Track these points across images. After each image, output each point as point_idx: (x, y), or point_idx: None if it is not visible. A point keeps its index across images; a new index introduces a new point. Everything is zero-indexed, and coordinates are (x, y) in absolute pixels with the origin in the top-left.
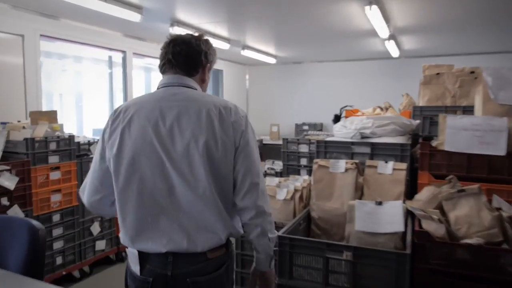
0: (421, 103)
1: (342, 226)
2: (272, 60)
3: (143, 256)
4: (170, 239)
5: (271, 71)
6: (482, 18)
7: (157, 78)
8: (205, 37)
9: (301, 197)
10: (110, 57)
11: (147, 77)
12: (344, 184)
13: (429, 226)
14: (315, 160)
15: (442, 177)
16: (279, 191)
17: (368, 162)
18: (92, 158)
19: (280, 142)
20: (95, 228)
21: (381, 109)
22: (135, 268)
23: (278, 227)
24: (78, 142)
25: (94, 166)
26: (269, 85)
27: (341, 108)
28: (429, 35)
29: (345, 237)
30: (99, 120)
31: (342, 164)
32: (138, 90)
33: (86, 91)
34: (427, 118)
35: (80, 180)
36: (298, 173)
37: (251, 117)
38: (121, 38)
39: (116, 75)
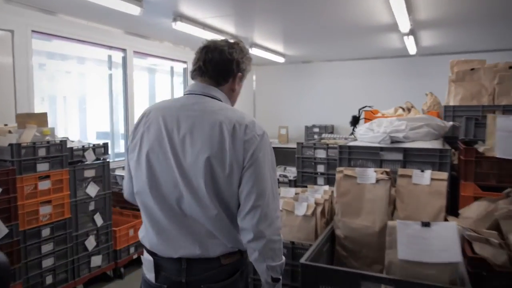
0: (452, 102)
1: (374, 247)
2: (281, 59)
3: (158, 264)
4: (182, 245)
5: (279, 71)
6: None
7: (161, 80)
8: (241, 44)
9: (322, 212)
10: (109, 57)
11: (151, 78)
12: (375, 198)
13: (485, 251)
14: (338, 169)
15: (490, 189)
16: (298, 205)
17: (401, 170)
18: (87, 164)
19: (289, 145)
20: (91, 243)
21: (403, 109)
22: (150, 275)
23: (297, 248)
24: (71, 148)
25: (125, 165)
26: (277, 86)
27: (360, 109)
28: (450, 30)
29: (385, 266)
30: (103, 123)
31: (372, 174)
32: (141, 93)
33: (90, 93)
34: (471, 119)
35: (74, 190)
36: (314, 181)
37: (258, 120)
38: (121, 36)
39: (117, 76)
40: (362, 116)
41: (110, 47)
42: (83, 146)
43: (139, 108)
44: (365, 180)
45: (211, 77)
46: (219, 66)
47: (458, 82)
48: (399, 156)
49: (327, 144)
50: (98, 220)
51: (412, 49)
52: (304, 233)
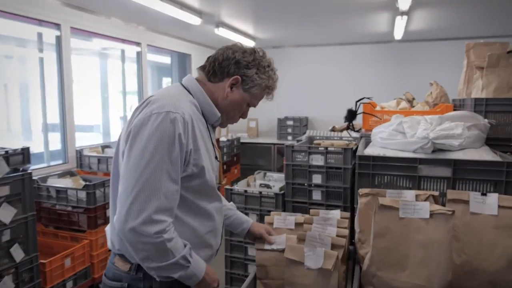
0: (478, 93)
1: None
2: (250, 43)
3: None
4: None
5: None
6: None
7: (114, 66)
8: (259, 53)
9: (343, 258)
10: (40, 35)
11: (103, 65)
12: (430, 242)
13: None
14: (362, 191)
15: None
16: (309, 253)
17: (452, 193)
18: None
19: (259, 140)
20: (6, 285)
21: (406, 101)
22: None
23: None
24: None
25: None
26: None
27: (357, 101)
28: (445, 10)
29: None
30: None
31: (422, 205)
32: (93, 81)
33: (31, 80)
34: None
35: None
36: (309, 195)
37: None
38: (56, 7)
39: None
40: (361, 110)
41: (40, 22)
42: None
43: (88, 99)
44: (411, 213)
45: (205, 71)
46: (216, 61)
47: (492, 68)
48: (446, 172)
49: (326, 148)
50: (17, 253)
51: (399, 33)
52: None
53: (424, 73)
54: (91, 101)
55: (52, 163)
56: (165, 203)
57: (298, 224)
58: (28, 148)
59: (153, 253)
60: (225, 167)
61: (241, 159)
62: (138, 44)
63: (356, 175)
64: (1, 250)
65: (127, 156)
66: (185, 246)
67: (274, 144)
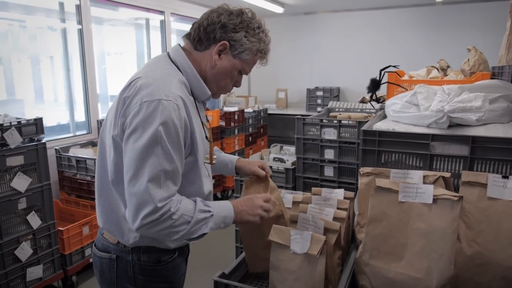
0: None
1: None
2: (279, 9)
3: None
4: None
5: (277, 24)
6: None
7: (154, 37)
8: (246, 14)
9: (337, 242)
10: (61, 4)
11: (139, 35)
12: (432, 230)
13: None
14: (363, 170)
15: None
16: (296, 236)
17: (467, 175)
18: (10, 149)
19: (289, 111)
20: (25, 251)
21: (438, 70)
22: None
23: None
24: None
25: None
26: (274, 42)
27: (382, 70)
28: None
29: None
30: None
31: (424, 188)
32: (129, 52)
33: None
34: None
35: None
36: (320, 171)
37: (252, 81)
38: None
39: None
40: (385, 79)
41: None
42: (1, 125)
43: (123, 72)
44: (412, 196)
45: (191, 39)
46: (201, 27)
47: None
48: (463, 150)
49: (339, 121)
50: (34, 220)
51: None
52: (304, 283)
53: (468, 38)
54: (129, 72)
55: (78, 133)
56: (164, 192)
57: (295, 203)
58: (41, 119)
59: (172, 229)
60: (250, 139)
61: (269, 130)
62: (161, 12)
63: (359, 151)
64: (19, 217)
65: (124, 150)
66: (194, 202)
67: (302, 115)
